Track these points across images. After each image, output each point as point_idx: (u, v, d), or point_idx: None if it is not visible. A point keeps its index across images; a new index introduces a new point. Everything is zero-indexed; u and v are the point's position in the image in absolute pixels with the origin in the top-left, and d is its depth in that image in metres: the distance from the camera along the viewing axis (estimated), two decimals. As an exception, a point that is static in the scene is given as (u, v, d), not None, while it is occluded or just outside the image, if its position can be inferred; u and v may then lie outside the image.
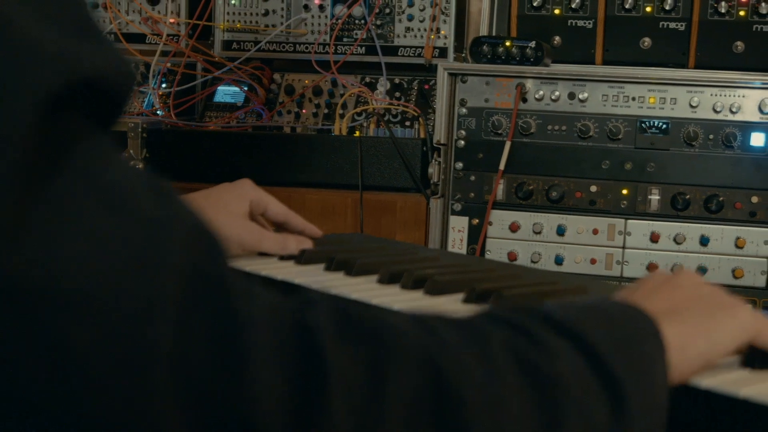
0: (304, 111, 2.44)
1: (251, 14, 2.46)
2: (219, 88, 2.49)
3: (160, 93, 2.45)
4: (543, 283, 1.07)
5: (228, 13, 2.46)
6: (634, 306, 0.72)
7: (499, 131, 2.02)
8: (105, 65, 0.53)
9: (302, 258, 1.20)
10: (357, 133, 2.25)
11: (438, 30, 2.38)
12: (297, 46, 2.45)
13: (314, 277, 1.11)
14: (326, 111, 2.44)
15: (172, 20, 2.46)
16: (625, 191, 1.98)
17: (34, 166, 0.49)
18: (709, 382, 0.72)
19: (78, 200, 0.50)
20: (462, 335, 0.60)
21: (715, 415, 0.73)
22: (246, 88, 2.46)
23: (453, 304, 0.98)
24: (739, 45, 2.11)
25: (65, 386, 0.49)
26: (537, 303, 0.69)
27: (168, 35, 2.44)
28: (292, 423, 0.51)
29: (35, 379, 0.48)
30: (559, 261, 1.99)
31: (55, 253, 0.49)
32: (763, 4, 2.10)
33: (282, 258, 1.23)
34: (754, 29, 2.11)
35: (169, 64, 2.47)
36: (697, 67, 2.13)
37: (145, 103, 2.48)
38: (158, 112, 2.45)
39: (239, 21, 2.45)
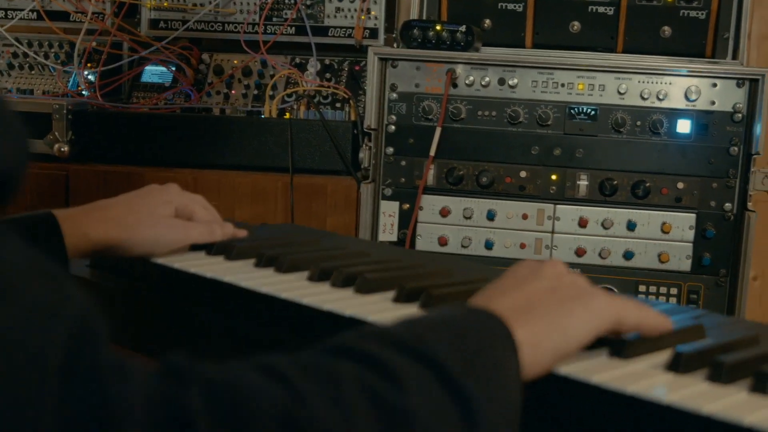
0: (233, 92, 2.41)
1: (179, -7, 2.42)
2: (146, 68, 2.45)
3: (86, 73, 2.40)
4: (474, 281, 1.07)
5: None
6: (484, 310, 0.75)
7: (430, 116, 2.02)
8: (2, 159, 0.55)
9: (232, 253, 1.19)
10: (287, 116, 2.23)
11: (368, 11, 2.37)
12: (226, 25, 2.42)
13: (244, 274, 1.10)
14: (256, 92, 2.41)
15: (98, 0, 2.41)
16: (554, 177, 2.00)
17: None
18: (567, 369, 0.75)
19: None
20: (315, 381, 0.63)
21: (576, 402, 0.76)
22: (174, 69, 2.42)
23: (383, 303, 0.98)
24: (667, 30, 2.14)
25: None
26: (390, 326, 0.71)
27: (93, 13, 2.39)
28: None
29: None
30: (489, 246, 2.00)
31: None
32: (689, -9, 2.13)
33: (210, 252, 1.21)
34: (681, 14, 2.14)
35: (94, 44, 2.42)
36: (625, 51, 2.15)
37: (70, 83, 2.43)
38: (83, 92, 2.40)
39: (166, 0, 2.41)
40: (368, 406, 0.63)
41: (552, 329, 0.76)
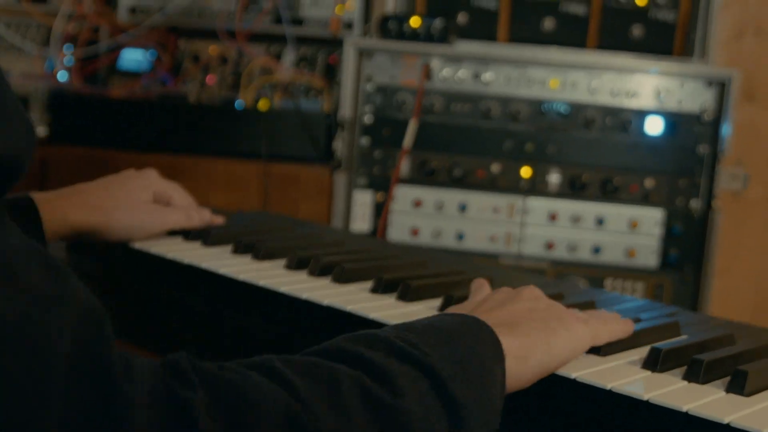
0: (209, 80, 2.43)
1: (157, -21, 2.42)
2: (124, 54, 2.45)
3: (63, 57, 2.40)
4: (449, 273, 1.10)
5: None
6: (474, 318, 0.77)
7: (405, 109, 2.05)
8: (7, 144, 0.56)
9: (209, 239, 1.21)
10: (262, 104, 2.25)
11: (344, 2, 2.39)
12: (203, 14, 2.43)
13: (221, 261, 1.12)
14: (232, 80, 2.42)
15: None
16: (525, 171, 2.03)
17: None
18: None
19: None
20: (314, 381, 0.66)
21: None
22: (151, 55, 2.43)
23: (361, 293, 1.00)
24: (637, 29, 2.17)
25: None
26: (384, 331, 0.74)
27: (71, -2, 2.39)
28: None
29: None
30: (460, 237, 2.04)
31: None
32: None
33: (187, 238, 1.23)
34: (651, 15, 2.17)
35: (71, 28, 2.42)
36: (596, 48, 2.18)
37: (47, 66, 2.43)
38: (60, 77, 2.40)
39: (145, -14, 2.42)
40: (366, 409, 0.66)
41: (537, 345, 0.78)
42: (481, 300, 0.88)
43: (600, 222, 2.01)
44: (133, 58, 2.46)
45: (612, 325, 0.86)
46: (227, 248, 1.19)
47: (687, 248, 2.01)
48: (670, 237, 2.01)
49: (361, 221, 2.05)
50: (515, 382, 0.76)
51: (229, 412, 0.60)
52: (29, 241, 0.57)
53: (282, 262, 1.12)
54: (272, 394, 0.63)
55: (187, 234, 1.24)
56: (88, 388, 0.55)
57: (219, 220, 1.32)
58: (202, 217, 1.28)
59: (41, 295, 0.55)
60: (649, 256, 2.01)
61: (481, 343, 0.75)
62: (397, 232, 2.04)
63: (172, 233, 1.24)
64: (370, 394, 0.66)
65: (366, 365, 0.69)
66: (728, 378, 0.76)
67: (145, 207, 1.24)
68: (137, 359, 0.59)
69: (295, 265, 1.10)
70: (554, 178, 2.03)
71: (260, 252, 1.14)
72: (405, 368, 0.69)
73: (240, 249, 1.17)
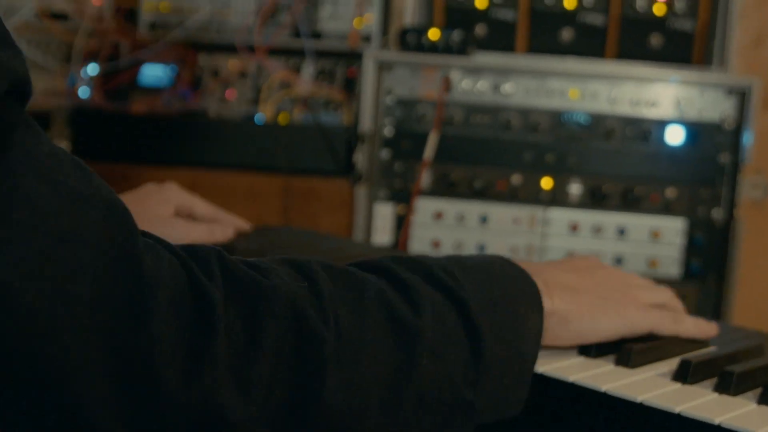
0: (229, 94, 2.44)
1: (176, -5, 2.44)
2: (144, 70, 2.47)
3: (84, 73, 2.42)
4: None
5: (152, -7, 2.44)
6: (523, 271, 0.82)
7: (425, 121, 2.05)
8: (22, 68, 0.63)
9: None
10: (282, 118, 2.26)
11: (363, 16, 2.40)
12: (222, 28, 2.45)
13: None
14: (252, 94, 2.44)
15: (97, 2, 2.43)
16: (546, 182, 2.04)
17: None
18: (575, 377, 0.79)
19: (19, 174, 0.59)
20: (340, 283, 0.71)
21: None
22: (171, 70, 2.45)
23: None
24: (656, 38, 2.17)
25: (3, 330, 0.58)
26: (428, 258, 0.79)
27: (92, 15, 2.41)
28: (185, 362, 0.62)
29: None
30: (481, 249, 2.04)
31: None
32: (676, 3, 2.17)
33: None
34: (670, 24, 2.17)
35: (93, 45, 2.44)
36: (615, 58, 2.19)
37: (69, 83, 2.45)
38: (82, 93, 2.42)
39: (164, 1, 2.44)
40: (382, 317, 0.71)
41: (584, 314, 0.83)
42: (562, 260, 0.94)
43: (621, 232, 2.01)
44: (153, 73, 2.47)
45: (683, 325, 0.90)
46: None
47: (709, 258, 2.01)
48: (692, 247, 2.01)
49: (382, 234, 2.06)
50: (553, 340, 0.82)
51: (242, 302, 0.66)
52: (59, 146, 0.64)
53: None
54: (287, 288, 0.68)
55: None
56: (117, 272, 0.61)
57: (244, 226, 1.33)
58: (225, 231, 1.29)
59: (75, 192, 0.61)
60: (671, 267, 2.01)
61: (518, 291, 0.79)
62: (419, 244, 2.04)
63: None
64: (392, 308, 0.72)
65: (395, 281, 0.74)
66: (759, 389, 0.76)
67: (167, 222, 1.25)
68: (164, 248, 0.66)
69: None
70: (575, 188, 2.03)
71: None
72: (433, 291, 0.74)
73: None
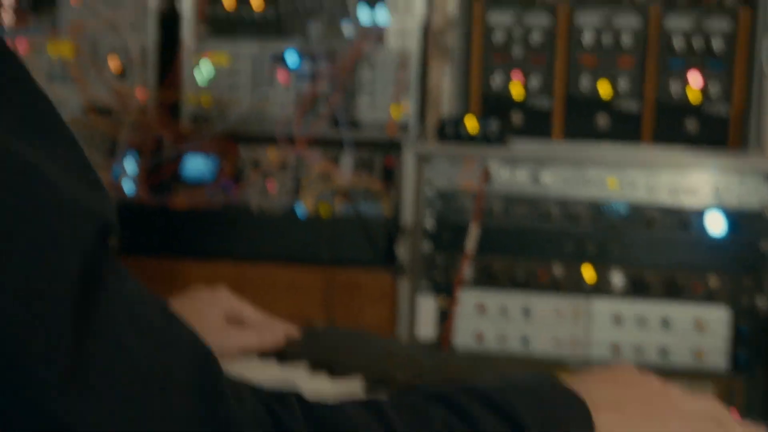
0: (270, 185, 2.47)
1: (217, 88, 2.48)
2: (186, 162, 2.51)
3: (127, 167, 2.46)
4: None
5: (193, 85, 2.48)
6: (569, 389, 0.83)
7: (465, 212, 2.07)
8: (109, 209, 0.65)
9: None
10: (323, 209, 2.28)
11: (400, 105, 2.43)
12: (262, 120, 2.48)
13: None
14: (292, 185, 2.46)
15: (141, 97, 2.48)
16: (587, 273, 2.04)
17: (83, 302, 0.60)
18: None
19: (111, 320, 0.61)
20: (408, 420, 0.73)
21: None
22: (213, 163, 2.48)
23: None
24: (691, 124, 2.19)
25: None
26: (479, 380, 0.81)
27: (135, 109, 2.45)
28: None
29: None
30: (525, 342, 2.04)
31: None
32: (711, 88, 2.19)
33: (261, 356, 1.26)
34: (705, 109, 2.19)
35: (136, 139, 2.48)
36: (651, 143, 2.20)
37: (113, 177, 2.49)
38: (125, 185, 2.46)
39: (206, 95, 2.48)
40: None
41: (632, 429, 0.83)
42: (600, 373, 0.93)
43: (665, 323, 2.01)
44: (195, 166, 2.51)
45: None
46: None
47: (755, 348, 1.99)
48: (737, 337, 2.00)
49: (426, 327, 2.06)
50: None
51: None
52: (144, 287, 0.66)
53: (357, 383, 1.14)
54: (366, 426, 0.70)
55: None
56: (206, 415, 0.63)
57: (293, 330, 1.34)
58: (275, 337, 1.30)
59: (164, 339, 0.64)
60: (717, 358, 2.00)
61: (571, 413, 0.81)
62: (462, 337, 2.05)
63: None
64: None
65: (458, 410, 0.75)
66: None
67: (220, 330, 1.26)
68: (247, 390, 0.67)
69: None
70: (617, 279, 2.04)
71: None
72: (495, 418, 0.75)
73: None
